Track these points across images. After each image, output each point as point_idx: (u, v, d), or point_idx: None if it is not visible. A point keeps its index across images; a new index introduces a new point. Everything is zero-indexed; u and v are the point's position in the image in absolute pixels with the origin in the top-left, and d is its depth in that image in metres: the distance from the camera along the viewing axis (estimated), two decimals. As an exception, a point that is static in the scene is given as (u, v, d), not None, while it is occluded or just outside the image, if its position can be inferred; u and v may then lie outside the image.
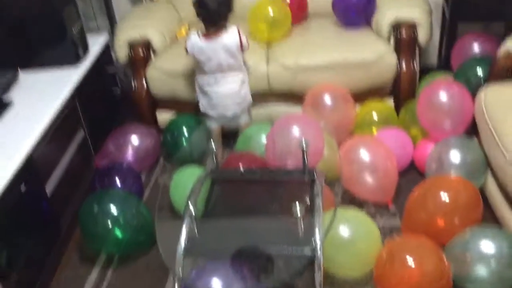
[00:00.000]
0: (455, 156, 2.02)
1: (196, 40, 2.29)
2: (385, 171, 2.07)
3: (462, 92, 2.14)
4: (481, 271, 1.59)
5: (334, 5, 2.67)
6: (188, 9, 2.89)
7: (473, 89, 2.17)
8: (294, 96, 2.55)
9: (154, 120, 2.74)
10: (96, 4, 3.11)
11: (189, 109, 2.63)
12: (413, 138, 2.31)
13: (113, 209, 1.95)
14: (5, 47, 2.18)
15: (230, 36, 2.27)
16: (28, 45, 2.31)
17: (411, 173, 2.29)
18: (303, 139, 1.81)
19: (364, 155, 2.07)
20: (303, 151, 1.82)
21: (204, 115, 2.49)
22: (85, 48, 2.47)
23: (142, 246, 2.00)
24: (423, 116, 2.21)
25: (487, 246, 1.61)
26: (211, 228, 1.73)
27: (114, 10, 3.20)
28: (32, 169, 1.86)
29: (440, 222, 1.78)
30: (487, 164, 1.98)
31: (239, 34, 2.28)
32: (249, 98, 2.46)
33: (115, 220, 1.93)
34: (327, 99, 2.38)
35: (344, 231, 1.76)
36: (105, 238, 1.94)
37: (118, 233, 1.94)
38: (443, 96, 2.13)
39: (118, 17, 3.15)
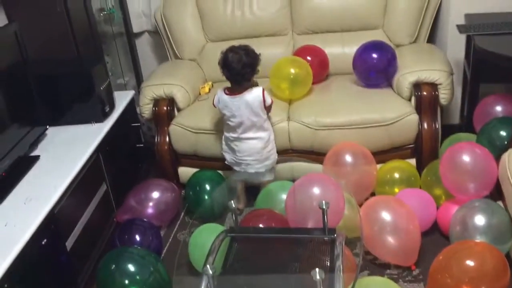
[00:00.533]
0: (480, 219, 1.97)
1: (221, 94, 2.36)
2: (408, 233, 2.03)
3: (486, 155, 2.12)
4: None
5: (354, 65, 2.72)
6: (212, 67, 3.00)
7: (497, 151, 2.15)
8: (315, 153, 2.56)
9: (176, 175, 2.77)
10: (124, 62, 3.23)
11: (210, 165, 2.66)
12: (436, 199, 2.27)
13: (131, 268, 1.94)
14: (35, 104, 2.26)
15: (253, 94, 2.32)
16: (57, 103, 2.40)
17: (434, 234, 2.24)
18: (323, 200, 1.80)
19: (386, 215, 2.04)
20: (323, 211, 1.81)
21: (230, 169, 2.52)
22: (112, 105, 2.54)
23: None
24: (446, 178, 2.18)
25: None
26: (229, 287, 1.71)
27: (141, 68, 3.33)
28: (54, 224, 1.88)
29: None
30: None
31: (263, 94, 2.33)
32: (274, 157, 2.47)
33: (132, 279, 1.92)
34: (348, 158, 2.38)
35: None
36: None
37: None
38: (466, 158, 2.11)
39: (144, 74, 3.26)
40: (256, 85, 2.39)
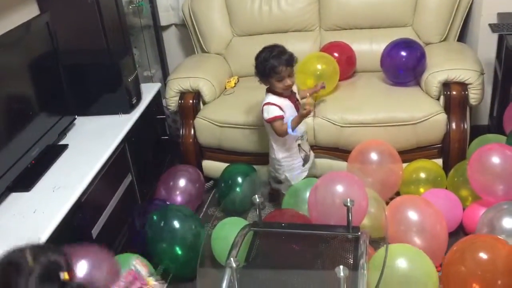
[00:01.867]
0: (508, 222, 1.93)
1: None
2: (434, 233, 2.00)
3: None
4: None
5: (382, 63, 2.69)
6: (238, 62, 3.01)
7: (528, 153, 2.10)
8: (339, 151, 2.54)
9: (200, 168, 2.78)
10: (152, 54, 3.26)
11: (235, 159, 2.66)
12: (462, 201, 2.24)
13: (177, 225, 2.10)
14: (65, 94, 2.29)
15: (264, 100, 2.25)
16: (86, 93, 2.43)
17: (459, 236, 2.20)
18: (348, 198, 1.79)
19: (413, 215, 2.01)
20: (348, 208, 1.79)
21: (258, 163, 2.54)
22: (138, 97, 2.57)
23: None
24: (474, 179, 2.14)
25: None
26: (252, 281, 1.71)
27: (168, 61, 3.35)
28: (81, 212, 1.91)
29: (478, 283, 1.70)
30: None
31: (264, 106, 2.23)
32: (283, 173, 2.33)
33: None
34: (374, 156, 2.35)
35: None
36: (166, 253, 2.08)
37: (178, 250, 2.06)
38: (496, 160, 2.07)
39: (171, 67, 3.28)
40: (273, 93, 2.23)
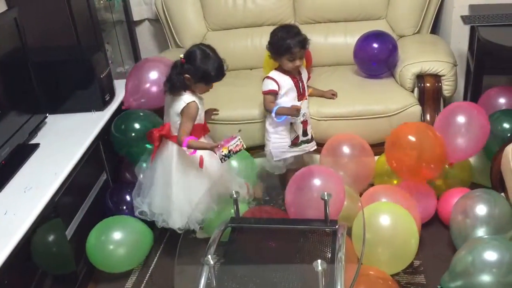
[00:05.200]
0: (481, 209, 1.96)
1: None
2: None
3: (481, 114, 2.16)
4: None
5: (355, 55, 2.70)
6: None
7: (500, 143, 2.14)
8: (317, 144, 2.54)
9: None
10: (125, 50, 3.21)
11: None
12: (436, 190, 2.26)
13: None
14: (35, 92, 2.24)
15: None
16: (57, 90, 2.37)
17: (434, 226, 2.23)
18: (325, 192, 1.79)
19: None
20: (325, 202, 1.80)
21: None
22: (112, 94, 2.52)
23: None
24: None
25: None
26: (230, 278, 1.70)
27: (142, 56, 3.30)
28: (54, 213, 1.86)
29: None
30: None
31: (265, 78, 2.28)
32: (269, 147, 2.38)
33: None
34: (346, 149, 2.35)
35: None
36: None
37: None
38: (460, 119, 2.15)
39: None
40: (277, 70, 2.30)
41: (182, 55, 2.00)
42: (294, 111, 2.24)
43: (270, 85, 2.27)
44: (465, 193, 2.10)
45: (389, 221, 1.91)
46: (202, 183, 2.06)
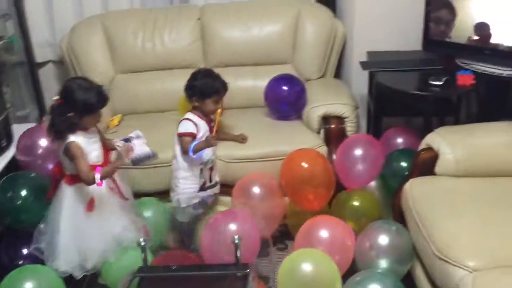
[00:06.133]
0: (383, 240, 2.05)
1: None
2: (345, 247, 2.10)
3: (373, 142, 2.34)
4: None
5: (266, 98, 2.77)
6: (122, 99, 2.93)
7: (399, 181, 2.27)
8: (228, 186, 2.53)
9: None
10: (26, 93, 3.05)
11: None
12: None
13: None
14: None
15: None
16: None
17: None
18: (236, 235, 1.79)
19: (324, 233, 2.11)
20: (235, 245, 1.79)
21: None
22: (9, 139, 2.37)
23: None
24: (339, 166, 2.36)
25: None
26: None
27: (46, 99, 3.15)
28: None
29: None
30: (415, 251, 2.02)
31: (183, 120, 2.30)
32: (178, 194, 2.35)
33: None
34: (256, 190, 2.35)
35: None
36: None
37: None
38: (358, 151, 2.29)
39: (49, 106, 3.08)
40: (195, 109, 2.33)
41: (56, 97, 1.93)
42: (211, 141, 2.23)
43: (189, 127, 2.27)
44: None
45: (311, 269, 1.91)
46: (94, 226, 1.97)
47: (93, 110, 1.93)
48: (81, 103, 1.89)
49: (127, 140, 1.99)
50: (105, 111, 2.73)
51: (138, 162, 1.92)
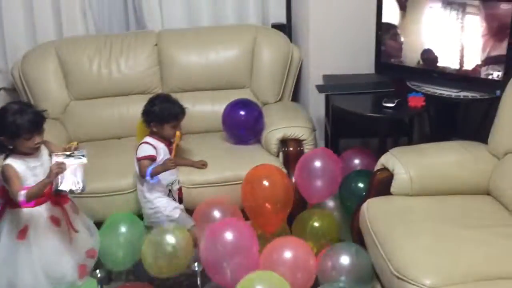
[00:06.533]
0: (344, 260, 2.06)
1: None
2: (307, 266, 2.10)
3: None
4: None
5: (224, 123, 2.78)
6: (77, 126, 2.88)
7: (357, 200, 2.31)
8: (189, 212, 2.51)
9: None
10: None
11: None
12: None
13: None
14: None
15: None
16: None
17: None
18: (196, 263, 1.77)
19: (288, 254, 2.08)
20: (195, 273, 1.76)
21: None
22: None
23: None
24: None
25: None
26: None
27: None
28: None
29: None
30: (374, 270, 2.04)
31: (142, 143, 2.29)
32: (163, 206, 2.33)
33: None
34: (216, 214, 2.34)
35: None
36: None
37: None
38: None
39: None
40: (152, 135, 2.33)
41: None
42: (170, 164, 2.23)
43: (149, 151, 2.27)
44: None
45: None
46: (23, 257, 1.90)
47: (20, 134, 1.88)
48: (8, 127, 1.86)
49: (69, 156, 1.88)
50: (59, 138, 2.74)
51: (59, 192, 1.83)
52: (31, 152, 1.93)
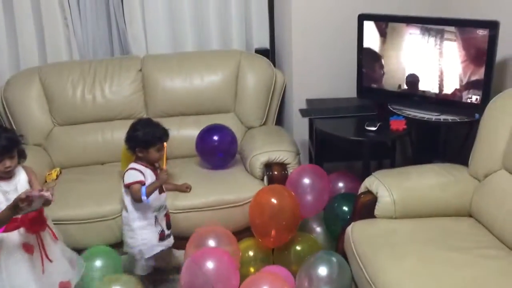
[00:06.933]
0: (323, 271, 2.09)
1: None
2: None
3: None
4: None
5: (198, 149, 2.78)
6: (60, 152, 2.86)
7: (341, 224, 2.31)
8: (175, 238, 2.47)
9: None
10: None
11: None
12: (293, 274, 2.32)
13: None
14: None
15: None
16: None
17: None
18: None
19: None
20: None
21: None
22: None
23: None
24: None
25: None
26: None
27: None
28: None
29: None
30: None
31: (128, 170, 2.27)
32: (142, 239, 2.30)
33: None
34: (212, 242, 2.30)
35: None
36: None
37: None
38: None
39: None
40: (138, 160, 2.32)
41: None
42: (163, 176, 2.25)
43: (137, 176, 2.25)
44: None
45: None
46: None
47: None
48: None
49: (40, 190, 1.81)
50: (41, 164, 2.71)
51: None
52: (3, 176, 1.92)
